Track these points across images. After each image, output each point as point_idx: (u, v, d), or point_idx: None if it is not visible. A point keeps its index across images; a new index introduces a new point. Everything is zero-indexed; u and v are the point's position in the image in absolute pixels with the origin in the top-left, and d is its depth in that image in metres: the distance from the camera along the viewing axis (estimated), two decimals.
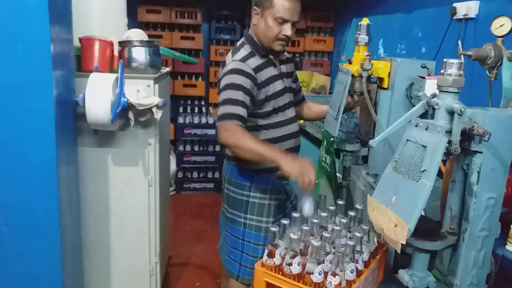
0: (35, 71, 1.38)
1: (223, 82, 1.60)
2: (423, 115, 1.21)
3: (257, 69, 1.61)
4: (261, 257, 1.29)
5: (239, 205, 1.71)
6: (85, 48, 1.85)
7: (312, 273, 1.17)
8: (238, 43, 1.71)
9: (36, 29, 1.36)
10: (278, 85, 1.68)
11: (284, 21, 1.59)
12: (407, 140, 1.15)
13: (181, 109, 4.26)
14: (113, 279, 2.02)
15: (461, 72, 1.10)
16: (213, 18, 4.18)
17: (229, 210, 1.75)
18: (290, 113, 1.75)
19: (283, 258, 1.23)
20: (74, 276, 1.74)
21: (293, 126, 1.76)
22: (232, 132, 1.51)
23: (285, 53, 1.80)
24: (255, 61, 1.63)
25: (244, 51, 1.65)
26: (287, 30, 1.60)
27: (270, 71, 1.66)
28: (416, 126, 1.14)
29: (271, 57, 1.69)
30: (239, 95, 1.55)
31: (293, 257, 1.20)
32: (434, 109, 1.13)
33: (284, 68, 1.76)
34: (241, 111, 1.54)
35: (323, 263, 1.19)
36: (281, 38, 1.62)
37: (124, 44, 1.90)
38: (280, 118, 1.70)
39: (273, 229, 1.27)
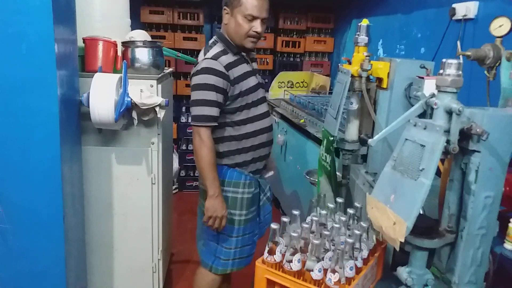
0: (39, 71, 1.40)
1: (194, 81, 1.65)
2: (422, 115, 1.22)
3: (230, 66, 1.65)
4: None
5: None
6: (89, 48, 1.87)
7: (312, 270, 1.18)
8: (211, 41, 1.75)
9: (40, 29, 1.37)
10: (251, 81, 1.72)
11: (254, 18, 1.65)
12: (406, 139, 1.15)
13: (183, 109, 4.27)
14: (116, 276, 2.04)
15: (460, 72, 1.10)
16: (215, 19, 4.19)
17: (204, 204, 1.77)
18: (263, 108, 1.80)
19: (283, 255, 1.24)
20: (77, 273, 1.75)
21: (266, 121, 1.80)
22: (202, 143, 1.63)
23: (253, 52, 1.85)
24: (228, 58, 1.67)
25: (216, 49, 1.69)
26: (257, 26, 1.66)
27: (243, 68, 1.71)
28: (415, 125, 1.15)
29: (243, 54, 1.74)
30: (211, 95, 1.61)
31: (293, 254, 1.21)
32: (432, 109, 1.14)
33: (255, 66, 1.82)
34: (214, 112, 1.63)
35: (323, 260, 1.20)
36: (252, 35, 1.68)
37: (127, 44, 1.92)
38: (252, 114, 1.74)
39: (273, 226, 1.28)
